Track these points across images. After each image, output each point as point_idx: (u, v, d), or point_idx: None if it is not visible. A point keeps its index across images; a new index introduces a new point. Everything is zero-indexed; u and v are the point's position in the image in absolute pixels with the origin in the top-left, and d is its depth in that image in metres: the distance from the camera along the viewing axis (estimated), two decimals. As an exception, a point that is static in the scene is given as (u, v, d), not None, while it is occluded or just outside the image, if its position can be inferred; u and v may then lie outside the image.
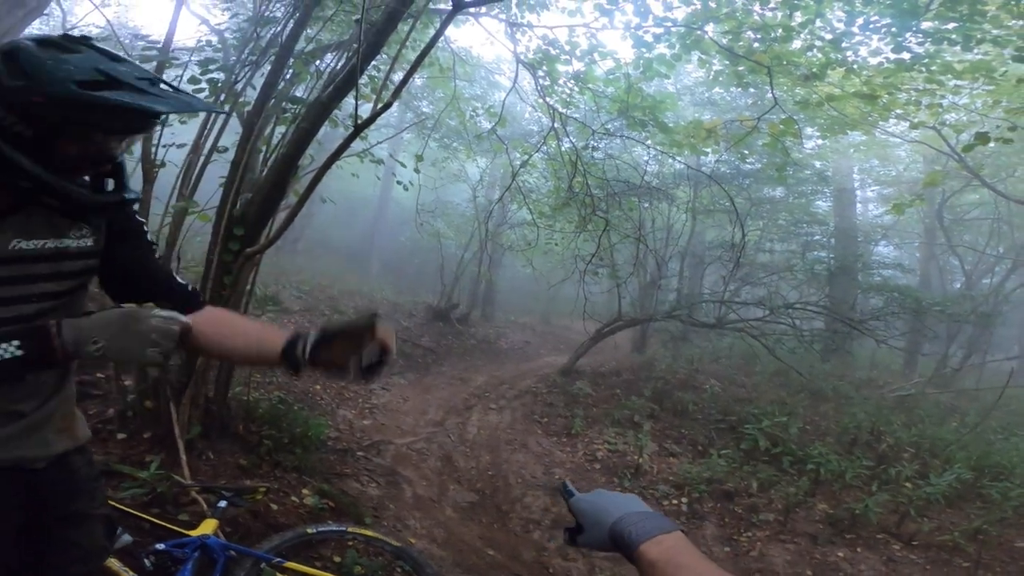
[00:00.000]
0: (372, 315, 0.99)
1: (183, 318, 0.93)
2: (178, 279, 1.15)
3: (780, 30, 4.35)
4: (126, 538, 1.73)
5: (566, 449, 5.89)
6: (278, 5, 3.63)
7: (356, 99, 2.60)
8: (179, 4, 3.15)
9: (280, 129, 3.30)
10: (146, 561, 1.72)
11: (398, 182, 5.60)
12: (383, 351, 0.99)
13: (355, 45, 3.02)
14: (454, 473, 4.70)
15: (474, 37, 30.68)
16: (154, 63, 3.03)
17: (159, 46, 3.09)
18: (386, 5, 3.01)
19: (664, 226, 10.14)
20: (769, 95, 4.41)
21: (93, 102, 0.88)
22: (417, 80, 9.42)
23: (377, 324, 0.98)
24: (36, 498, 1.06)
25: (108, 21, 3.77)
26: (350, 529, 2.23)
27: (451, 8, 2.85)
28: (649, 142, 6.07)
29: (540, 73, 5.40)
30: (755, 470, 5.19)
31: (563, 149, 6.15)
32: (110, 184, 1.04)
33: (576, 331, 13.55)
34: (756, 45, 4.53)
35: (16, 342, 0.86)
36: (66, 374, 1.12)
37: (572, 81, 5.60)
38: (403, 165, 5.29)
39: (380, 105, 2.66)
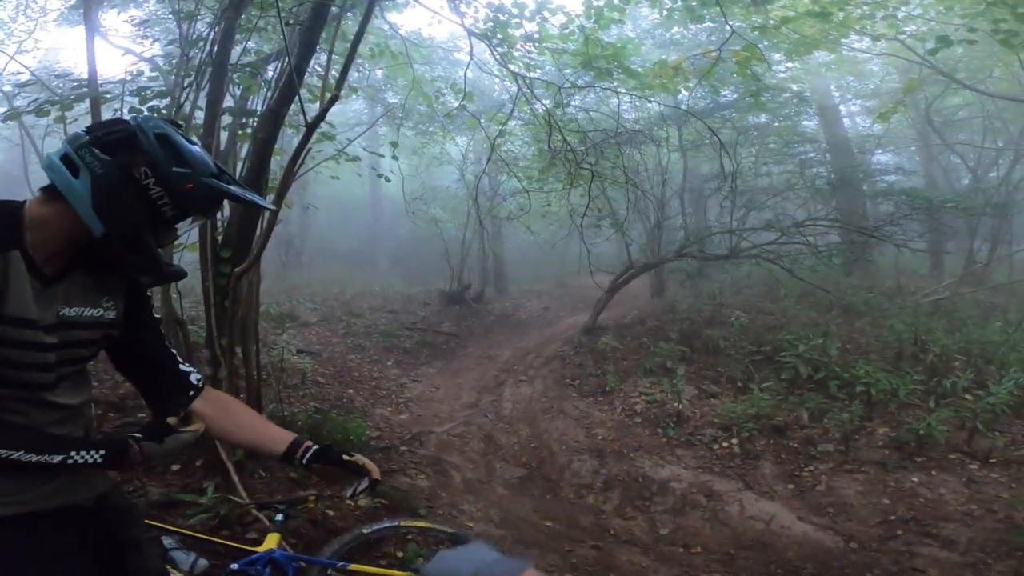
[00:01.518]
0: (363, 467, 1.24)
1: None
2: (182, 366, 1.20)
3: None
4: (202, 563, 1.83)
5: (603, 408, 5.89)
6: (200, 24, 3.54)
7: (300, 100, 2.64)
8: (91, 39, 3.08)
9: (246, 145, 3.27)
10: None
11: (379, 175, 5.54)
12: (372, 482, 1.25)
13: (291, 47, 3.00)
14: (498, 451, 4.75)
15: (420, 19, 29.71)
16: (86, 100, 2.99)
17: (85, 82, 3.04)
18: (311, 3, 2.95)
19: (657, 169, 9.98)
20: (728, 26, 4.29)
21: (221, 193, 1.04)
22: (378, 72, 9.38)
23: (368, 468, 1.24)
24: (95, 533, 1.12)
25: (30, 70, 3.74)
26: (403, 523, 2.26)
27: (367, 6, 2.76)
28: (622, 89, 5.93)
29: (495, 41, 5.26)
30: (802, 400, 4.99)
31: (537, 113, 6.08)
32: None
33: (591, 288, 13.44)
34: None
35: (102, 452, 0.99)
36: (86, 408, 1.17)
37: (528, 43, 5.49)
38: (381, 156, 5.24)
39: (326, 101, 2.64)
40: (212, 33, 3.26)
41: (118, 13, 5.33)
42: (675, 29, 9.53)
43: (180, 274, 1.17)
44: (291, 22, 3.17)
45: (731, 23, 4.30)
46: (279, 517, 2.02)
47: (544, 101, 5.94)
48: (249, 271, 3.02)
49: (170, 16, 3.76)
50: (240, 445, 1.28)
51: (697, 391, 5.76)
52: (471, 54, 5.42)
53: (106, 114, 3.09)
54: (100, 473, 1.16)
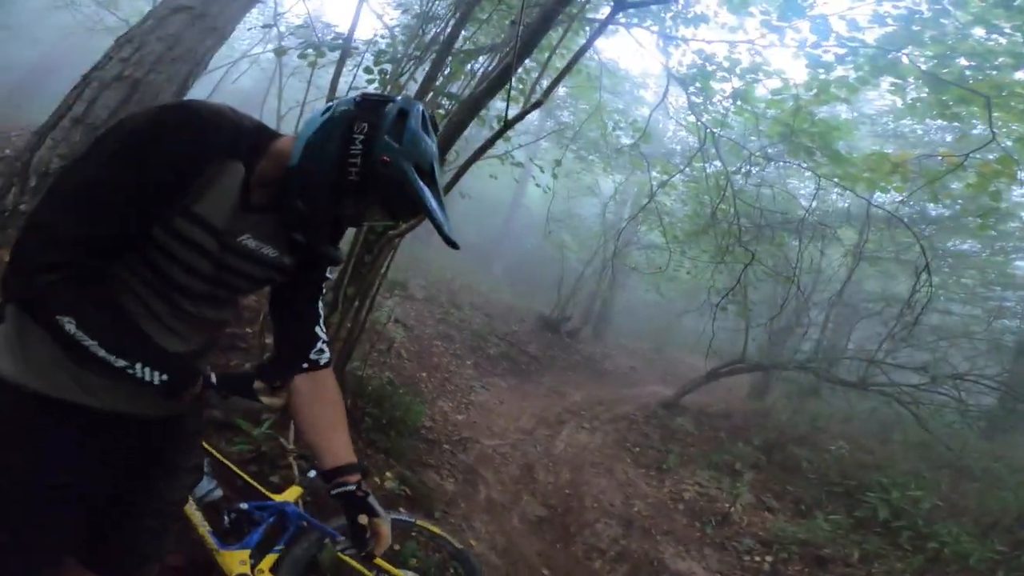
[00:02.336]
0: (368, 541, 1.13)
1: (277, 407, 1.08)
2: (320, 336, 1.17)
3: (1005, 57, 3.68)
4: (217, 493, 1.87)
5: (652, 483, 5.66)
6: (441, 5, 3.90)
7: (508, 96, 2.68)
8: (360, 2, 3.46)
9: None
10: (226, 518, 1.81)
11: (536, 184, 5.68)
12: (366, 555, 1.14)
13: (511, 43, 3.07)
14: (531, 484, 4.74)
15: (623, 48, 29.97)
16: (338, 52, 3.46)
17: (343, 37, 3.51)
18: (541, 7, 3.04)
19: (812, 268, 9.13)
20: (976, 130, 3.70)
21: (408, 186, 0.94)
22: (560, 89, 9.54)
23: (376, 542, 1.14)
24: (141, 444, 1.07)
25: (308, 14, 4.36)
26: (418, 522, 2.22)
27: (607, 14, 2.82)
28: (819, 172, 5.34)
29: (692, 89, 5.10)
30: (862, 539, 4.69)
31: (708, 172, 5.80)
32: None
33: (688, 365, 12.87)
34: (968, 72, 3.90)
35: (166, 376, 0.91)
36: (214, 344, 1.15)
37: (729, 100, 5.19)
38: (541, 170, 5.37)
39: (529, 104, 2.73)
40: (450, 15, 3.52)
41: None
42: (904, 120, 8.52)
43: (334, 257, 1.10)
44: (515, 21, 3.18)
45: (995, 129, 3.60)
46: (311, 473, 2.08)
47: (721, 161, 5.54)
48: (397, 239, 3.17)
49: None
50: (305, 433, 1.16)
51: (755, 500, 5.47)
52: (664, 95, 5.33)
53: (348, 68, 3.52)
54: None
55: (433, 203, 0.96)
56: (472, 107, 3.10)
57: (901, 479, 5.83)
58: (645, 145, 5.92)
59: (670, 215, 8.32)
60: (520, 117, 2.68)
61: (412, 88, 3.67)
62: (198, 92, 3.78)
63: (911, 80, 4.20)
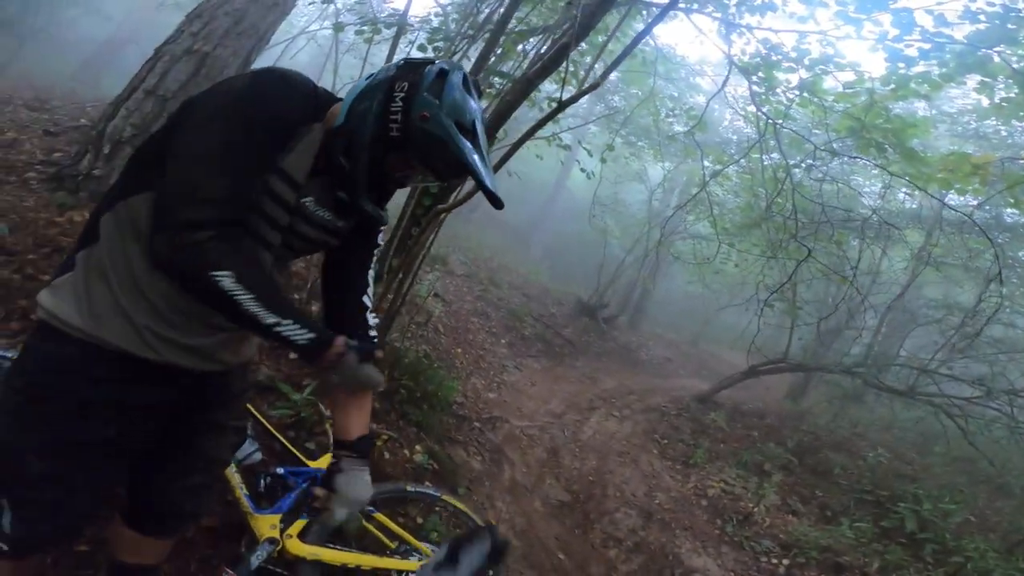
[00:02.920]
0: (334, 501, 1.07)
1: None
2: (368, 309, 1.17)
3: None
4: (256, 456, 1.88)
5: (677, 477, 5.66)
6: None
7: (564, 78, 2.63)
8: None
9: (483, 103, 3.57)
10: (261, 481, 1.84)
11: (582, 169, 5.60)
12: (325, 517, 1.10)
13: (564, 26, 3.06)
14: (556, 468, 4.81)
15: (681, 34, 28.66)
16: (394, 28, 3.50)
17: (399, 14, 3.55)
18: None
19: (871, 270, 8.67)
20: None
21: (448, 140, 0.94)
22: (612, 74, 9.24)
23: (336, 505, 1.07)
24: (185, 402, 1.10)
25: None
26: (443, 496, 2.25)
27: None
28: (890, 170, 4.96)
29: (754, 79, 4.87)
30: (885, 549, 4.62)
31: (766, 164, 5.59)
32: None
33: (725, 361, 12.61)
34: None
35: (312, 335, 0.93)
36: None
37: (794, 91, 4.94)
38: (589, 154, 5.30)
39: (586, 86, 2.70)
40: None
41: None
42: (988, 121, 7.98)
43: (377, 216, 1.08)
44: (572, 2, 3.15)
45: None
46: None
47: (775, 155, 5.33)
48: (444, 214, 3.19)
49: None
50: (335, 407, 1.15)
51: (781, 502, 5.41)
52: (724, 83, 5.13)
53: (402, 45, 3.59)
54: (249, 344, 1.17)
55: (474, 158, 0.96)
56: (524, 88, 3.11)
57: (936, 491, 5.71)
58: (700, 133, 5.74)
59: (720, 206, 8.01)
60: (575, 99, 2.66)
61: (465, 67, 3.66)
62: (259, 66, 3.90)
63: (1000, 79, 3.90)
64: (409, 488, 2.18)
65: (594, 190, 7.91)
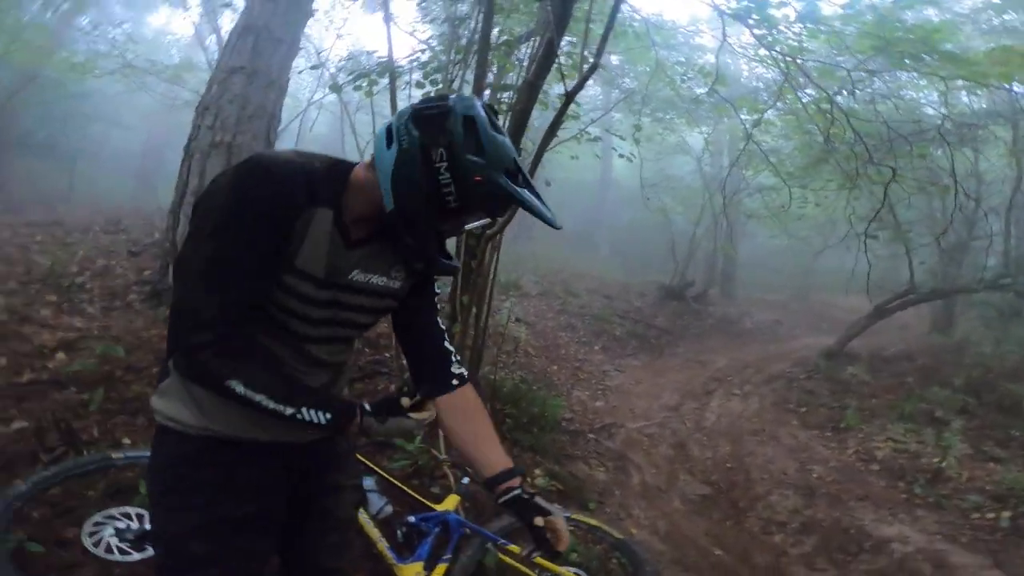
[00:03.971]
0: (549, 541, 1.08)
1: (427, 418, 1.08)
2: (451, 355, 1.18)
3: None
4: (388, 508, 1.98)
5: (831, 445, 5.01)
6: (463, 6, 3.83)
7: (560, 71, 2.65)
8: (389, 26, 3.56)
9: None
10: (399, 532, 1.93)
11: (620, 155, 5.53)
12: (552, 554, 1.12)
13: (546, 22, 3.00)
14: (686, 462, 4.42)
15: (660, 1, 27.27)
16: (386, 76, 3.53)
17: (387, 60, 3.59)
18: None
19: (971, 174, 7.65)
20: None
21: (506, 195, 0.94)
22: (613, 58, 9.30)
23: (555, 540, 1.09)
24: (301, 470, 1.16)
25: (351, 47, 4.56)
26: (573, 516, 2.18)
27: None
28: (940, 74, 4.67)
29: (751, 22, 4.65)
30: None
31: (805, 101, 5.48)
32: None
33: (842, 308, 11.44)
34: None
35: (329, 415, 0.98)
36: (336, 382, 1.18)
37: (798, 25, 4.73)
38: (622, 138, 5.18)
39: (586, 71, 2.66)
40: (477, 11, 3.52)
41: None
42: (1008, 15, 7.38)
43: (453, 269, 1.13)
44: None
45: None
46: (464, 479, 2.13)
47: (813, 89, 5.13)
48: (496, 236, 3.21)
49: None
50: (458, 448, 1.20)
51: (973, 451, 4.60)
52: (723, 35, 4.91)
53: (401, 88, 3.59)
54: None
55: (532, 199, 0.96)
56: (529, 92, 3.07)
57: None
58: (723, 89, 5.56)
59: (776, 153, 7.66)
60: (579, 86, 2.64)
61: (467, 90, 3.63)
62: (283, 146, 4.06)
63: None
64: None
65: (638, 174, 7.66)
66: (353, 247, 1.01)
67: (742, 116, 6.09)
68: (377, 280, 1.07)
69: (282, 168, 0.95)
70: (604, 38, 2.78)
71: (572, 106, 3.94)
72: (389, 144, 0.95)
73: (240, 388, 0.93)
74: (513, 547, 1.94)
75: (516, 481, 1.11)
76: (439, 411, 1.13)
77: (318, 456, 1.18)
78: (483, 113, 0.94)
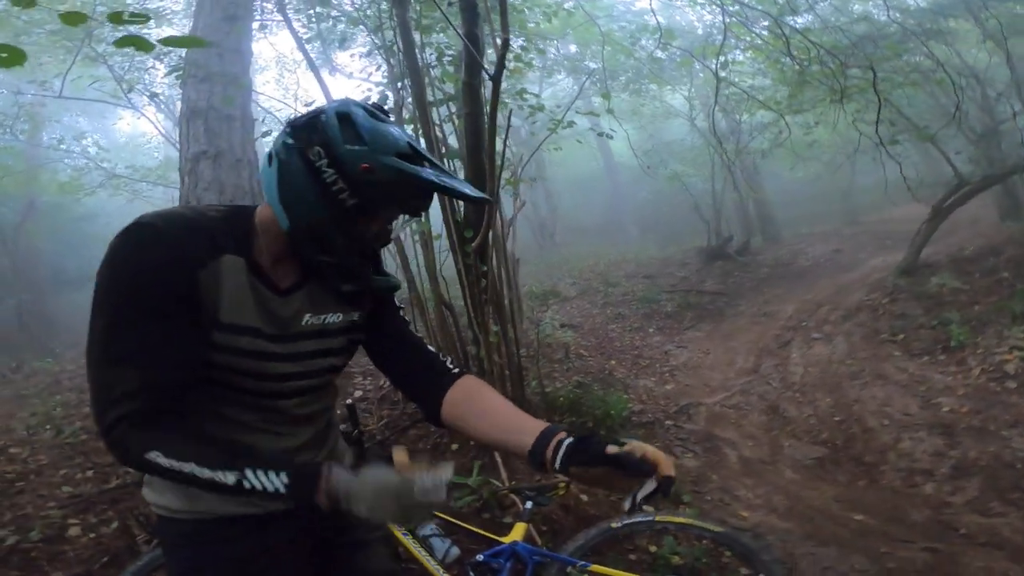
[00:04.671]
0: (642, 461, 0.83)
1: (446, 479, 0.87)
2: (430, 348, 1.10)
3: None
4: (454, 551, 1.88)
5: (948, 370, 4.34)
6: (389, 33, 3.71)
7: (479, 50, 2.60)
8: (319, 78, 3.54)
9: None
10: (471, 573, 1.78)
11: (599, 134, 5.28)
12: (662, 484, 0.83)
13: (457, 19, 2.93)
14: (786, 426, 3.90)
15: None
16: None
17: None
18: None
19: (963, 69, 7.17)
20: None
21: (406, 176, 0.86)
22: (572, 47, 9.65)
23: (653, 461, 0.83)
24: (314, 528, 1.06)
25: (292, 108, 4.52)
26: (658, 517, 1.97)
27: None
28: None
29: None
30: None
31: (756, 32, 5.49)
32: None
33: (899, 221, 10.56)
34: None
35: (286, 479, 0.83)
36: (326, 436, 1.10)
37: None
38: (596, 115, 5.06)
39: (499, 49, 2.59)
40: (394, 35, 3.41)
41: (346, 51, 6.27)
42: None
43: (391, 286, 1.02)
44: (450, 2, 3.08)
45: None
46: (528, 504, 1.99)
47: (764, 23, 5.16)
48: (484, 245, 3.03)
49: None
50: (487, 441, 1.03)
51: None
52: None
53: None
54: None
55: (438, 177, 0.88)
56: (469, 92, 2.93)
57: None
58: (676, 42, 5.37)
59: (761, 91, 7.74)
60: (500, 66, 2.57)
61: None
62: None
63: None
64: (615, 525, 1.96)
65: (628, 145, 7.44)
66: (287, 293, 0.95)
67: (708, 62, 5.97)
68: (332, 318, 1.00)
69: (169, 224, 0.86)
70: (503, 11, 2.66)
71: (535, 100, 4.05)
72: (270, 163, 0.90)
73: (162, 460, 0.82)
74: (596, 567, 1.75)
75: (561, 434, 0.88)
76: (450, 420, 1.01)
77: (328, 517, 1.00)
78: (359, 108, 0.90)
